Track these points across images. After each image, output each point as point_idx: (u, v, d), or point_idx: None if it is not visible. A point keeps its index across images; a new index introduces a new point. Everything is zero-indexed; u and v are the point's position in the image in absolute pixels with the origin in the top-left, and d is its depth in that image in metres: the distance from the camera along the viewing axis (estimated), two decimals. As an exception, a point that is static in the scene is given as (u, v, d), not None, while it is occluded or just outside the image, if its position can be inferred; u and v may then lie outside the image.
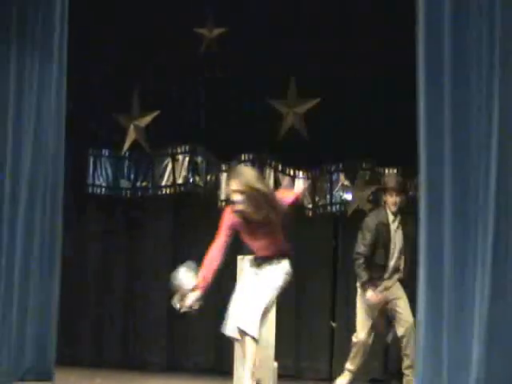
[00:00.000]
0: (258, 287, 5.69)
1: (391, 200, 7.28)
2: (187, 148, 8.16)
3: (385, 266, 7.34)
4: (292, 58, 8.03)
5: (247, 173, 5.57)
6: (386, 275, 7.38)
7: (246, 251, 6.48)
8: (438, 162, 5.69)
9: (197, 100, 8.34)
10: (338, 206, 7.91)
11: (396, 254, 7.40)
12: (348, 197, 7.86)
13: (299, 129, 8.23)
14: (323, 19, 7.93)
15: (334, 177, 8.07)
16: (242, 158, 8.40)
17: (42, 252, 6.92)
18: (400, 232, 7.44)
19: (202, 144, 8.14)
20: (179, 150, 8.19)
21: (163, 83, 8.35)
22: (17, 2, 7.17)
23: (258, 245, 5.75)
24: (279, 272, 5.88)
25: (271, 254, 5.87)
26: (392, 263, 7.39)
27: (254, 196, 5.31)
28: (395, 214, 7.39)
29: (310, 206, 8.18)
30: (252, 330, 5.63)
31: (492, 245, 5.56)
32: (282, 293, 5.97)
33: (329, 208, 7.91)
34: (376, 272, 7.18)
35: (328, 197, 8.06)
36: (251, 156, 8.40)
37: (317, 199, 8.13)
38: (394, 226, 7.40)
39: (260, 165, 8.45)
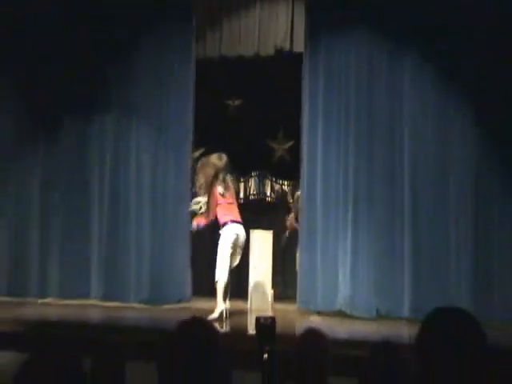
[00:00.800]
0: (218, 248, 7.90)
1: None
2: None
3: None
4: (281, 116, 10.36)
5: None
6: None
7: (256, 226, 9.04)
8: (313, 163, 8.67)
9: (227, 140, 10.15)
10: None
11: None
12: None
13: (285, 157, 10.66)
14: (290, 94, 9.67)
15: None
16: (252, 173, 10.62)
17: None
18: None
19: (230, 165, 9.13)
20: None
21: (207, 132, 10.20)
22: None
23: None
24: (225, 236, 7.92)
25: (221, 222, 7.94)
26: None
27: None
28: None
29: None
30: (216, 276, 7.84)
31: (351, 218, 8.64)
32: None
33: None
34: None
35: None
36: (257, 172, 10.68)
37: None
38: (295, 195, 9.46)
39: (262, 178, 10.67)
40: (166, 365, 2.09)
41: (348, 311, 8.64)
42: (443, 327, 2.05)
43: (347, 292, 8.64)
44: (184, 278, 9.45)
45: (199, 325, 2.18)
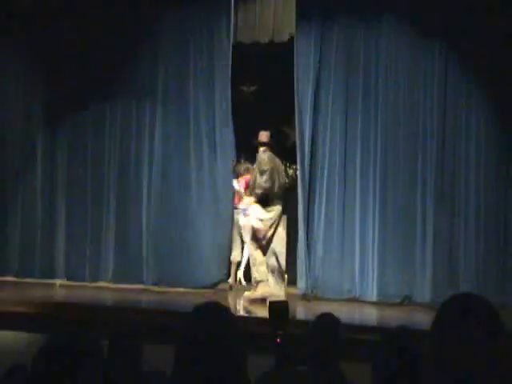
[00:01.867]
0: None
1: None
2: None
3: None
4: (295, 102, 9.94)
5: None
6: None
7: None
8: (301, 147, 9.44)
9: (241, 125, 10.31)
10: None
11: None
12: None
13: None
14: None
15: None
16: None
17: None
18: None
19: (248, 154, 10.58)
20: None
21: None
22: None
23: None
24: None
25: None
26: None
27: None
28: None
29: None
30: None
31: (325, 205, 9.36)
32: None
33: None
34: None
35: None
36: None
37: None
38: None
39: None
40: (181, 349, 2.10)
41: (319, 293, 9.22)
42: (459, 314, 1.99)
43: (319, 274, 9.23)
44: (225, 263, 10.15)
45: (214, 309, 2.19)
